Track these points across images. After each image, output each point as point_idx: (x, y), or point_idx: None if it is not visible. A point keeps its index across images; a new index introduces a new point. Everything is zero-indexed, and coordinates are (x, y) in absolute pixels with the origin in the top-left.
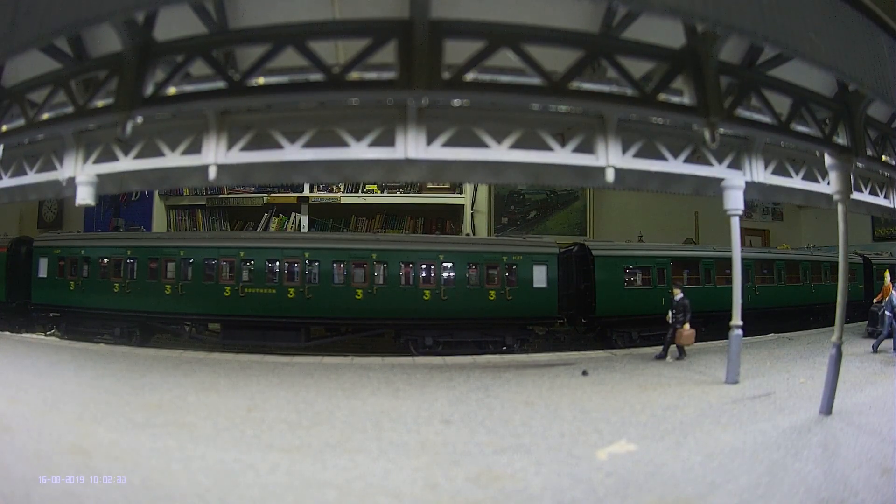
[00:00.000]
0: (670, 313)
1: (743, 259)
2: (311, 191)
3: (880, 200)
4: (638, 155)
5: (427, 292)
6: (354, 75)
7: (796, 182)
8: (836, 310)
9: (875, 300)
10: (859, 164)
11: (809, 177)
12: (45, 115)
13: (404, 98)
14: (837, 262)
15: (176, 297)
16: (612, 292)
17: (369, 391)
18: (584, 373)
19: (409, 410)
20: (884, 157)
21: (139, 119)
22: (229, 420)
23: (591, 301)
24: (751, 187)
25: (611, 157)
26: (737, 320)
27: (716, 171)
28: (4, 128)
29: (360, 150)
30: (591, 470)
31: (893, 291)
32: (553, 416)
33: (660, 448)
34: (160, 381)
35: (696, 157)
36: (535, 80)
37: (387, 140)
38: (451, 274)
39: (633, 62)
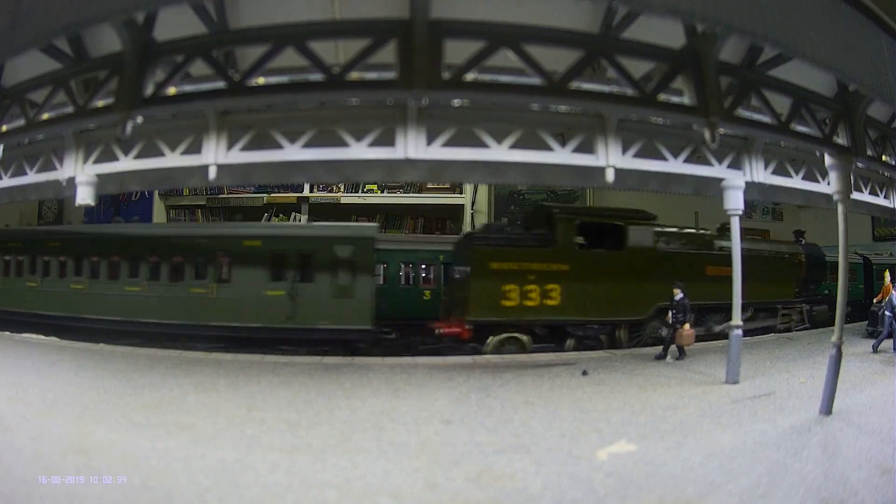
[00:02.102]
0: (670, 313)
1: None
2: (311, 191)
3: (880, 200)
4: (638, 155)
5: None
6: (354, 75)
7: (796, 182)
8: (836, 310)
9: (875, 300)
10: (859, 164)
11: (809, 177)
12: (45, 115)
13: (404, 98)
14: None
15: None
16: None
17: (369, 391)
18: (584, 373)
19: (409, 410)
20: (884, 157)
21: (139, 119)
22: (229, 420)
23: None
24: (751, 187)
25: (611, 157)
26: (737, 320)
27: (716, 171)
28: (4, 128)
29: (360, 150)
30: (591, 470)
31: (893, 291)
32: (553, 416)
33: (660, 448)
34: (160, 381)
35: (696, 157)
36: (535, 80)
37: (387, 140)
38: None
39: (633, 62)
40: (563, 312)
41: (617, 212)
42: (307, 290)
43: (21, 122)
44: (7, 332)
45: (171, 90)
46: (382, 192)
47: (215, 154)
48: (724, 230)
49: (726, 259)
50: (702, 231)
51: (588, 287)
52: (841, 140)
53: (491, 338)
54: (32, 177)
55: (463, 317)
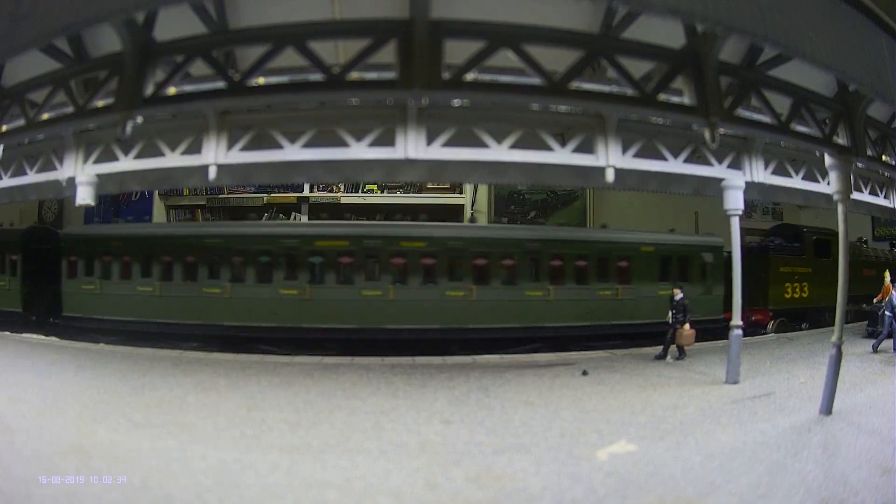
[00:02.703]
0: (670, 313)
1: None
2: (311, 191)
3: (880, 200)
4: (638, 155)
5: None
6: (354, 75)
7: (796, 182)
8: (836, 310)
9: (875, 300)
10: (859, 164)
11: (809, 177)
12: (45, 115)
13: (404, 98)
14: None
15: None
16: None
17: (369, 391)
18: (584, 373)
19: (409, 410)
20: (884, 157)
21: (139, 119)
22: (229, 420)
23: None
24: (751, 187)
25: (611, 157)
26: (737, 320)
27: (716, 171)
28: (4, 128)
29: (360, 150)
30: (591, 470)
31: (893, 291)
32: (553, 416)
33: (660, 448)
34: (160, 381)
35: (696, 157)
36: (535, 80)
37: (387, 140)
38: None
39: (633, 62)
40: (808, 302)
41: (825, 230)
42: (686, 289)
43: (21, 122)
44: (7, 332)
45: (171, 90)
46: (382, 191)
47: (215, 154)
48: (861, 242)
49: (870, 263)
50: (856, 241)
51: (817, 284)
52: (841, 140)
53: (771, 322)
54: (32, 177)
55: (766, 307)
